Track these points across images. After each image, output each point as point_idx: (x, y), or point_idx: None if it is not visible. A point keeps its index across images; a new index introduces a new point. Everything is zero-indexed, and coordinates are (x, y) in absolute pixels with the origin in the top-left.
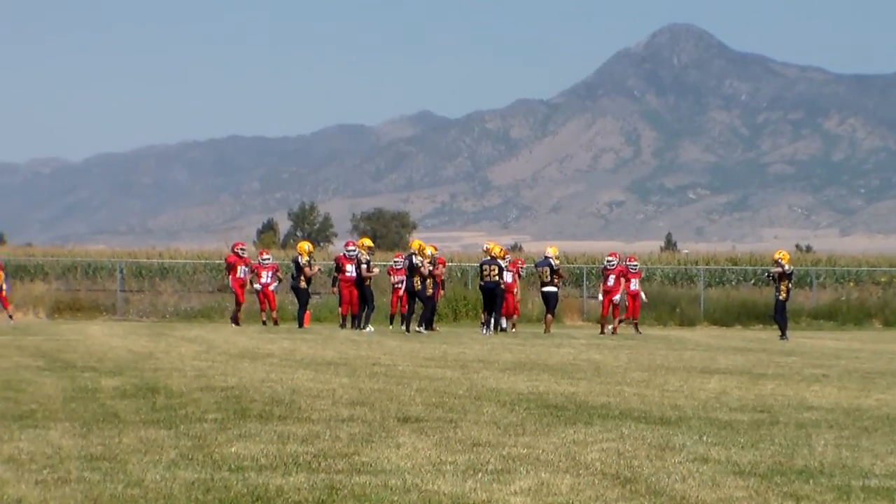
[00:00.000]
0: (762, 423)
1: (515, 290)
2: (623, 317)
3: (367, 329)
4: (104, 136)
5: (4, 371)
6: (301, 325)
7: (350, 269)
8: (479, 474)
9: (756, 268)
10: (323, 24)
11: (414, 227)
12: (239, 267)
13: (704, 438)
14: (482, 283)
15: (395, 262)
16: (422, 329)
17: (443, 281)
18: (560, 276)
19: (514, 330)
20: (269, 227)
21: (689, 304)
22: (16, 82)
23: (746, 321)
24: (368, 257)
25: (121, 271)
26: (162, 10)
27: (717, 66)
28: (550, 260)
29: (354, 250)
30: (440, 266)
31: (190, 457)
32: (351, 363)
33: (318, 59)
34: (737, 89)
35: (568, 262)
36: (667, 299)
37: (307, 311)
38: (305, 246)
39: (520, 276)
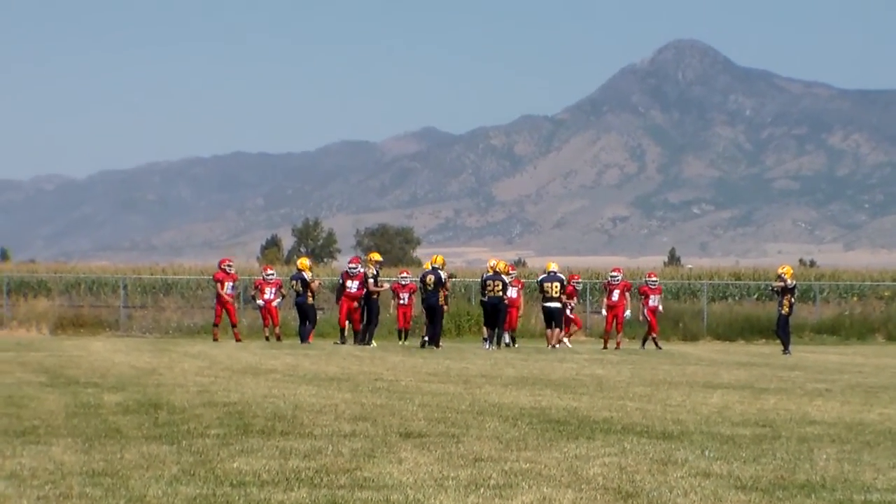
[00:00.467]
0: (764, 438)
1: (520, 304)
2: (646, 333)
3: (370, 344)
4: (108, 153)
5: (7, 387)
6: (304, 340)
7: (350, 286)
8: (482, 489)
9: (759, 283)
10: (327, 41)
11: (418, 242)
12: (226, 283)
13: (706, 453)
14: (484, 299)
15: (402, 278)
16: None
17: (446, 297)
18: (572, 296)
19: (516, 345)
20: (273, 244)
21: (692, 318)
22: (19, 99)
23: (749, 336)
24: (376, 272)
25: (124, 287)
26: (165, 27)
27: (721, 81)
28: (560, 275)
29: (356, 267)
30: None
31: (192, 472)
32: (353, 378)
33: (322, 75)
34: (741, 105)
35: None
36: (670, 314)
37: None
38: (308, 262)
39: (576, 291)
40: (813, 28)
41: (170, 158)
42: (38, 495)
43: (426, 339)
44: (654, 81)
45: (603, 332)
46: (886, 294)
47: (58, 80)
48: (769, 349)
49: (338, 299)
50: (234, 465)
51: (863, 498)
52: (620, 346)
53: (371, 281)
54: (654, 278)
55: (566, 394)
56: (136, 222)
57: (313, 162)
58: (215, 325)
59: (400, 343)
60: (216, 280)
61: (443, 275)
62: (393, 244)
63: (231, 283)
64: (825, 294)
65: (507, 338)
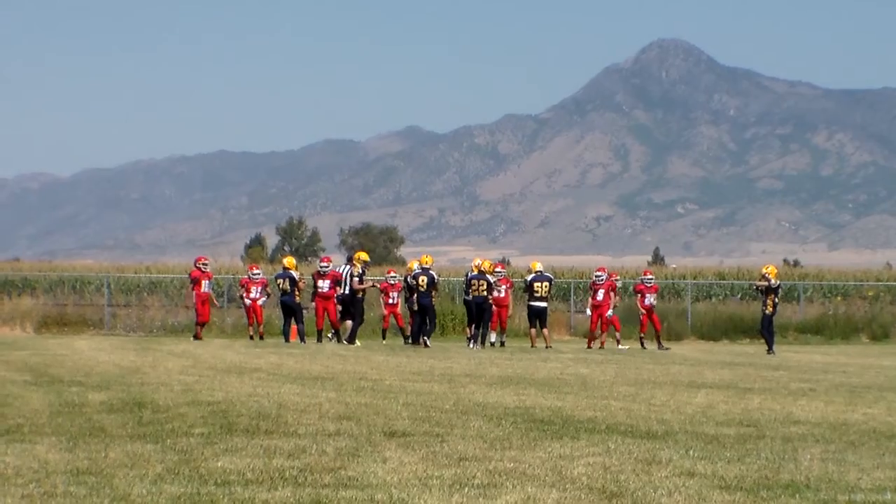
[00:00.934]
0: (749, 438)
1: (509, 303)
2: (642, 333)
3: (354, 343)
4: (92, 152)
5: None
6: (289, 338)
7: (322, 285)
8: (466, 489)
9: (743, 282)
10: (311, 40)
11: (402, 241)
12: (202, 281)
13: (691, 453)
14: (468, 298)
15: (391, 277)
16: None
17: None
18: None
19: (502, 345)
20: (258, 242)
21: (676, 318)
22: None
23: (733, 335)
24: (361, 270)
25: (108, 286)
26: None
27: (705, 81)
28: (548, 275)
29: (328, 266)
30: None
31: (176, 471)
32: (338, 378)
33: (306, 74)
34: (725, 104)
35: (556, 277)
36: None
37: (294, 326)
38: (294, 261)
39: (614, 291)
40: (797, 27)
41: (154, 157)
42: (23, 494)
43: (409, 337)
44: (638, 81)
45: (588, 331)
46: (870, 294)
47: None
48: (753, 349)
49: (312, 297)
50: (219, 463)
51: (847, 498)
52: (605, 346)
53: (356, 279)
54: (649, 276)
55: (550, 393)
56: (120, 221)
57: (297, 161)
58: (198, 323)
59: (383, 342)
60: (192, 278)
61: (435, 275)
62: (377, 243)
63: (207, 282)
64: (809, 294)
65: (493, 337)
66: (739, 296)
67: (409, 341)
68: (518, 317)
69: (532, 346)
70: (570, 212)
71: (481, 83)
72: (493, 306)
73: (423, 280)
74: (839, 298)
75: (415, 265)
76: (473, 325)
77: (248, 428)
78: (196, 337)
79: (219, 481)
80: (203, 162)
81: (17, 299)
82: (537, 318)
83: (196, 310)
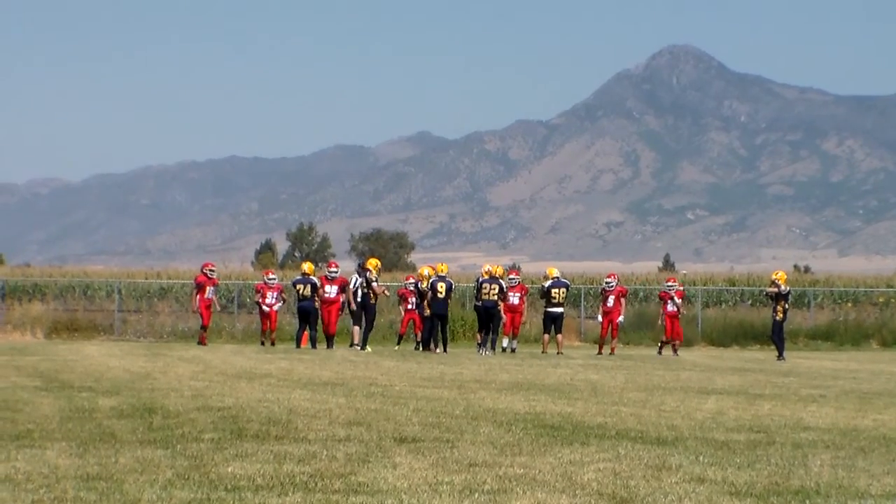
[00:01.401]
0: (759, 444)
1: (523, 310)
2: (664, 338)
3: (365, 349)
4: (103, 157)
5: (2, 391)
6: (300, 345)
7: (329, 290)
8: (476, 494)
9: (753, 288)
10: (322, 46)
11: (412, 247)
12: (207, 287)
13: (701, 459)
14: (478, 303)
15: (409, 283)
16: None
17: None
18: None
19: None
20: (268, 248)
21: (686, 324)
22: (14, 103)
23: (744, 342)
24: (375, 277)
25: (118, 292)
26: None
27: (716, 87)
28: (565, 281)
29: (336, 271)
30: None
31: (186, 476)
32: (348, 383)
33: (317, 79)
34: (736, 110)
35: None
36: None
37: (305, 332)
38: (312, 266)
39: (672, 300)
40: (808, 34)
41: (165, 162)
42: (33, 499)
43: (420, 344)
44: (649, 87)
45: (598, 337)
46: (880, 300)
47: (53, 84)
48: (763, 355)
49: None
50: (229, 469)
51: None
52: (615, 352)
53: (374, 285)
54: (672, 283)
55: (561, 399)
56: (130, 226)
57: (308, 166)
58: (202, 328)
59: (395, 348)
60: (197, 283)
61: (452, 283)
62: (387, 249)
63: (212, 288)
64: (819, 300)
65: (506, 342)
66: (750, 302)
67: (420, 347)
68: (530, 322)
69: (543, 352)
70: (581, 218)
71: (492, 89)
72: (506, 312)
73: (441, 287)
74: (849, 305)
75: (425, 272)
76: (483, 331)
77: (259, 433)
78: (200, 342)
79: (229, 487)
80: (214, 167)
81: (27, 305)
82: (553, 323)
83: (201, 315)
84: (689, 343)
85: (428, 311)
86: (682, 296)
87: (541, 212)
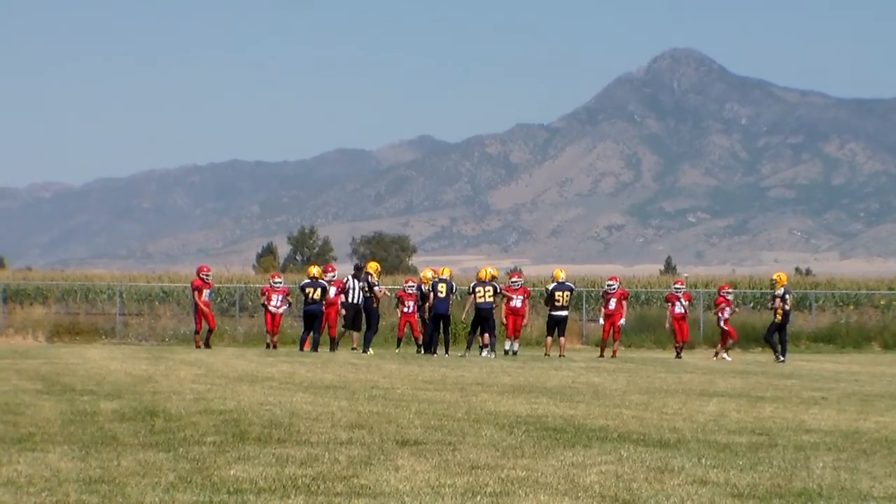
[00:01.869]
0: (761, 446)
1: (524, 313)
2: (676, 342)
3: (367, 352)
4: (104, 161)
5: (3, 394)
6: (303, 348)
7: (329, 293)
8: (478, 497)
9: (755, 291)
10: (323, 49)
11: (414, 250)
12: (204, 291)
13: (703, 461)
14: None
15: (408, 286)
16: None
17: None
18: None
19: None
20: (269, 251)
21: (688, 327)
22: (16, 107)
23: (745, 344)
24: (374, 281)
25: (120, 295)
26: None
27: (717, 90)
28: (570, 284)
29: (333, 274)
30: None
31: (188, 480)
32: (350, 386)
33: (318, 83)
34: (737, 113)
35: None
36: (665, 322)
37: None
38: (319, 270)
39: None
40: (809, 37)
41: (166, 166)
42: (35, 502)
43: (422, 346)
44: (650, 90)
45: (600, 340)
46: (882, 303)
47: (54, 87)
48: (765, 357)
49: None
50: (231, 472)
51: None
52: (617, 355)
53: (377, 289)
54: (679, 285)
55: (563, 402)
56: (132, 230)
57: (309, 170)
58: (196, 332)
59: (396, 351)
60: (194, 287)
61: (454, 284)
62: (389, 252)
63: (208, 291)
64: (821, 302)
65: (507, 344)
66: (751, 305)
67: (422, 350)
68: (531, 325)
69: (546, 355)
70: (582, 221)
71: (493, 93)
72: (508, 314)
73: (442, 287)
74: (851, 307)
75: (428, 275)
76: (473, 333)
77: (261, 436)
78: (203, 345)
79: (231, 490)
80: (215, 171)
81: (29, 308)
82: (557, 326)
83: (196, 319)
84: (690, 346)
85: (429, 313)
86: (689, 298)
87: (542, 215)
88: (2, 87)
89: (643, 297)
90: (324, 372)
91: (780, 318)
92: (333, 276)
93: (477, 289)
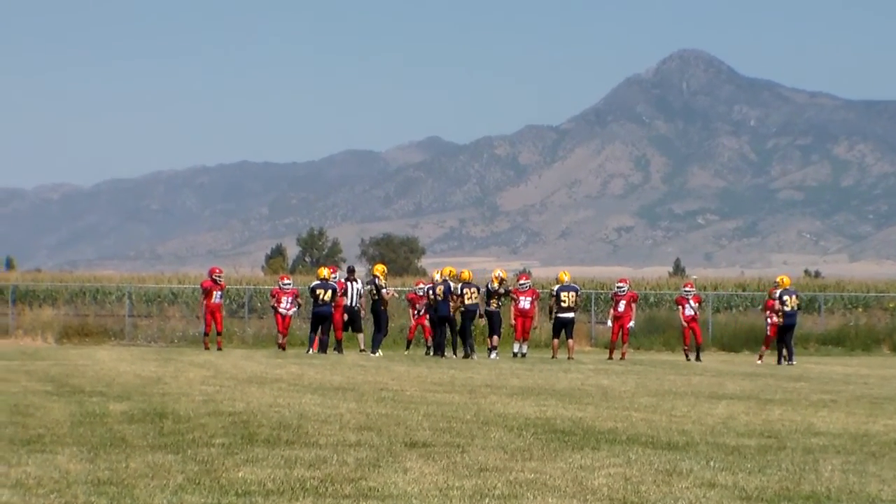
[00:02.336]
0: (769, 449)
1: (533, 315)
2: (686, 346)
3: (377, 354)
4: (113, 162)
5: (13, 396)
6: (311, 349)
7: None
8: (487, 500)
9: (764, 293)
10: (332, 51)
11: (422, 252)
12: (214, 292)
13: (712, 464)
14: (489, 308)
15: (419, 288)
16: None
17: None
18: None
19: (523, 356)
20: (279, 253)
21: (700, 329)
22: (24, 108)
23: (754, 346)
24: (381, 283)
25: (129, 297)
26: (171, 36)
27: (726, 91)
28: (574, 285)
29: (335, 276)
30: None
31: (197, 481)
32: (358, 388)
33: (327, 85)
34: (746, 115)
35: None
36: (675, 324)
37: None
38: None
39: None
40: (817, 38)
41: (175, 167)
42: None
43: (430, 348)
44: (659, 91)
45: (609, 342)
46: (891, 305)
47: (63, 88)
48: (774, 360)
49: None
50: (240, 474)
51: None
52: (626, 357)
53: (384, 291)
54: (689, 288)
55: (571, 404)
56: (141, 231)
57: (318, 171)
58: (206, 333)
59: (405, 352)
60: (204, 288)
61: (452, 285)
62: (398, 254)
63: (219, 293)
64: (830, 305)
65: (516, 347)
66: (760, 307)
67: (431, 352)
68: (540, 328)
69: (553, 357)
70: (591, 223)
71: (502, 94)
72: (517, 316)
73: (440, 290)
74: (860, 310)
75: (436, 276)
76: (458, 335)
77: (269, 438)
78: (213, 347)
79: (240, 492)
80: (224, 172)
81: (38, 310)
82: (564, 328)
83: (205, 320)
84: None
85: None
86: (700, 300)
87: (551, 216)
88: (9, 88)
89: (652, 299)
90: (332, 374)
91: (777, 319)
92: (336, 278)
93: (464, 290)
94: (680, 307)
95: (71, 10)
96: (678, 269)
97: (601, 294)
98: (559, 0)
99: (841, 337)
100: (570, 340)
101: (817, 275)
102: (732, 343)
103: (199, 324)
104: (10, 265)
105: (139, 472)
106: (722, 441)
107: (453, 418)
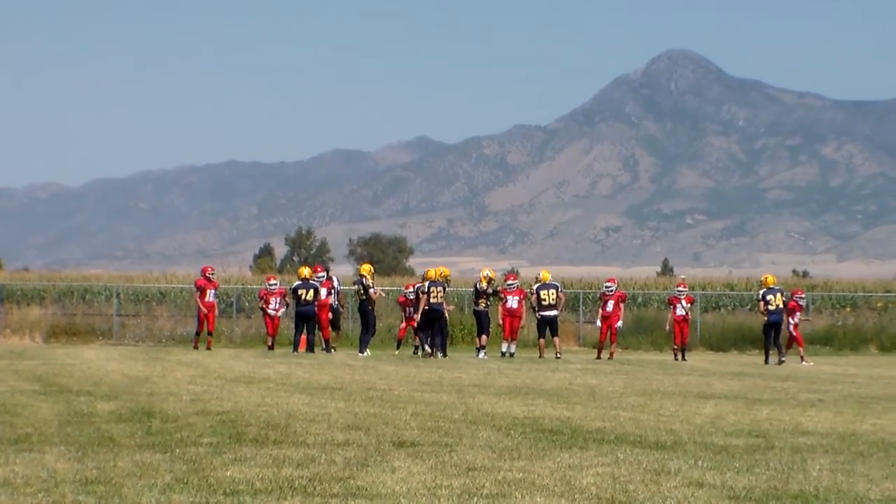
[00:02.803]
0: (757, 448)
1: (522, 314)
2: (675, 345)
3: (364, 353)
4: (102, 162)
5: (0, 395)
6: (297, 349)
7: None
8: (475, 499)
9: (752, 293)
10: (321, 50)
11: (411, 252)
12: (208, 291)
13: (700, 463)
14: (477, 308)
15: (409, 292)
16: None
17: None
18: (795, 312)
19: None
20: (267, 252)
21: (689, 330)
22: (13, 107)
23: (742, 346)
24: (368, 283)
25: (117, 296)
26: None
27: (714, 91)
28: (555, 283)
29: (322, 275)
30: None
31: (185, 481)
32: (346, 387)
33: (315, 84)
34: (734, 115)
35: (565, 287)
36: (662, 324)
37: (303, 336)
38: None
39: (800, 307)
40: (806, 38)
41: (164, 167)
42: (31, 503)
43: (419, 348)
44: (647, 92)
45: (597, 341)
46: (879, 305)
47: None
48: (762, 359)
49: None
50: (228, 473)
51: None
52: (614, 357)
53: (371, 291)
54: (682, 288)
55: (559, 403)
56: (129, 231)
57: (306, 171)
58: (197, 333)
59: (395, 353)
60: (197, 287)
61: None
62: (386, 253)
63: (213, 291)
64: (818, 305)
65: (504, 346)
66: (749, 307)
67: (419, 352)
68: (528, 327)
69: (540, 357)
70: (579, 222)
71: (490, 94)
72: (505, 316)
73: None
74: (848, 309)
75: (431, 275)
76: (424, 332)
77: (257, 438)
78: (203, 346)
79: (228, 491)
80: (212, 172)
81: (25, 309)
82: (548, 326)
83: (199, 319)
84: (687, 347)
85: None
86: (691, 301)
87: (539, 216)
88: None
89: (640, 298)
90: (320, 373)
91: (764, 318)
92: (322, 277)
93: (431, 289)
94: (671, 306)
95: (60, 10)
96: (666, 269)
97: (589, 294)
98: (548, 0)
99: (829, 336)
100: (556, 338)
101: (805, 275)
102: (720, 343)
103: (188, 323)
104: None
105: (127, 472)
106: (710, 440)
107: (441, 418)
